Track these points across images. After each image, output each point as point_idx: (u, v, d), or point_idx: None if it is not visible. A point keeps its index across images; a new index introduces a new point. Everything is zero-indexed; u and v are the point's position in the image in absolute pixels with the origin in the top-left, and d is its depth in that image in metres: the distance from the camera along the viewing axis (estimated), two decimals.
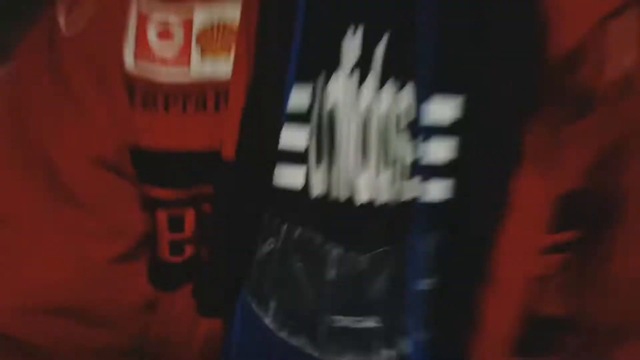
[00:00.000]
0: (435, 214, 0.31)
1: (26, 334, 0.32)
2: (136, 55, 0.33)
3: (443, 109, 0.30)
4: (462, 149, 0.30)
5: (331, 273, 0.33)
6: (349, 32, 0.31)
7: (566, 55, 0.29)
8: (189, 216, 0.35)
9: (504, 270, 0.31)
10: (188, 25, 0.32)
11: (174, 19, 0.32)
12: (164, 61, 0.32)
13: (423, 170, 0.31)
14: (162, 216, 0.35)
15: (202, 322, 0.36)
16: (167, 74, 0.32)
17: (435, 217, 0.31)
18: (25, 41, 0.37)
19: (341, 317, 0.33)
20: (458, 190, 0.31)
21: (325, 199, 0.32)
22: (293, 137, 0.32)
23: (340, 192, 0.32)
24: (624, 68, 0.30)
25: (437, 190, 0.31)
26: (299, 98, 0.32)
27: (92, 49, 0.33)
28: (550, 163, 0.31)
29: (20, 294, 0.32)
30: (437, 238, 0.32)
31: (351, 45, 0.31)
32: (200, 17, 0.32)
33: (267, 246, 0.34)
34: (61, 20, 0.33)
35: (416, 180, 0.31)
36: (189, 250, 0.35)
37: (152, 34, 0.33)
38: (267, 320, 0.35)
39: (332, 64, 0.31)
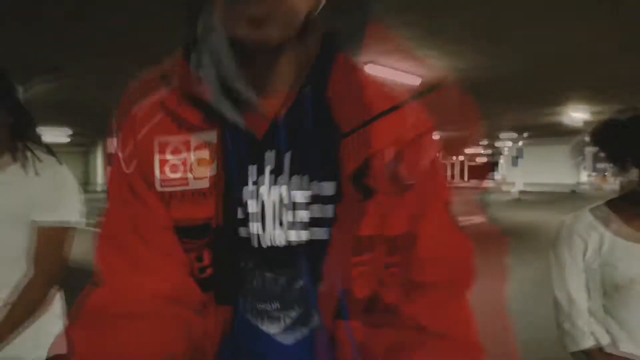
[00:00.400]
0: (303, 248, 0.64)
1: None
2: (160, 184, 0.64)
3: (299, 195, 0.62)
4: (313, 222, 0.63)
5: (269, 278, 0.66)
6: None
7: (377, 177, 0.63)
8: (206, 253, 0.64)
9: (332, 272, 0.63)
10: (186, 161, 0.63)
11: (179, 147, 0.63)
12: (175, 183, 0.63)
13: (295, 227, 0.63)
14: (191, 255, 0.64)
15: (218, 309, 0.65)
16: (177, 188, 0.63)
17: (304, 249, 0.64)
18: (110, 172, 0.68)
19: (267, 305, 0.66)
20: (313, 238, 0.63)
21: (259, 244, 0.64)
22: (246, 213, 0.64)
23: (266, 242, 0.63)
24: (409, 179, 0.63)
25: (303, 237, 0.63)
26: (248, 194, 0.63)
27: (141, 178, 0.63)
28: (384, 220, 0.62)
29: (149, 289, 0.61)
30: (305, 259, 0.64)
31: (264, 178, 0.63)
32: (192, 157, 0.62)
33: (243, 264, 0.65)
34: (122, 164, 0.65)
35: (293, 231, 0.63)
36: (208, 272, 0.64)
37: (166, 170, 0.63)
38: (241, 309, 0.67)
39: (258, 179, 0.63)
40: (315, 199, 0.61)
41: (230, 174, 0.62)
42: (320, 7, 0.61)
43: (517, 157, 22.91)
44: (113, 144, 0.69)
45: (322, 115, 0.62)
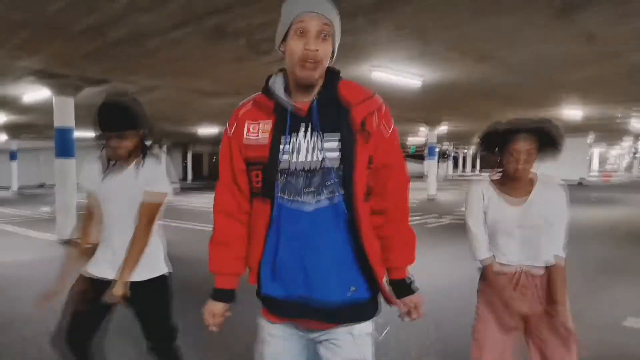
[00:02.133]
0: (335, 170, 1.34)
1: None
2: (245, 142, 1.39)
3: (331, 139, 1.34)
4: (341, 148, 1.32)
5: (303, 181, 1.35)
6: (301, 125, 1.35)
7: (359, 126, 1.34)
8: (260, 174, 1.36)
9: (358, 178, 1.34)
10: (265, 127, 1.38)
11: (256, 125, 1.39)
12: (251, 138, 1.39)
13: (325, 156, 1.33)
14: (252, 173, 1.39)
15: (265, 200, 1.37)
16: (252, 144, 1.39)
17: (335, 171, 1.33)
18: (223, 139, 1.46)
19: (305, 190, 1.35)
20: (342, 158, 1.33)
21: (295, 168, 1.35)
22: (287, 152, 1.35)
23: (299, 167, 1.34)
24: (378, 130, 1.38)
25: (333, 161, 1.33)
26: (286, 143, 1.35)
27: (236, 139, 1.41)
28: (367, 147, 1.34)
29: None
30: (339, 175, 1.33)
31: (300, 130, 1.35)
32: (261, 126, 1.37)
33: (282, 175, 1.34)
34: (229, 130, 1.43)
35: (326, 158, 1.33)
36: (259, 184, 1.38)
37: (246, 132, 1.39)
38: (282, 197, 1.36)
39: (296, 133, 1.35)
40: (335, 141, 1.32)
41: (277, 137, 1.33)
42: (334, 59, 1.36)
43: None
44: (229, 121, 1.43)
45: (335, 103, 1.33)
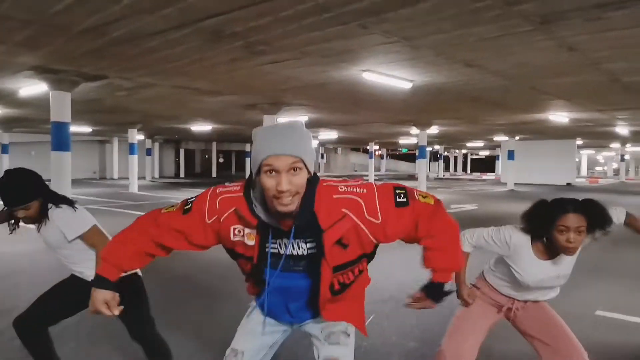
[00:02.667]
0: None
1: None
2: (232, 240, 1.51)
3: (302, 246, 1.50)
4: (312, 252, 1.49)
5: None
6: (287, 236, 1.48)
7: (332, 244, 1.44)
8: (248, 264, 1.55)
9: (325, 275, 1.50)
10: (252, 236, 1.49)
11: (243, 232, 1.49)
12: (237, 244, 1.52)
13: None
14: (242, 262, 1.58)
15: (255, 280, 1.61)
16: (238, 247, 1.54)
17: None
18: (190, 214, 1.53)
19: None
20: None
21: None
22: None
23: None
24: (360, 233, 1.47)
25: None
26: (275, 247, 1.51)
27: (211, 226, 1.51)
28: (344, 252, 1.50)
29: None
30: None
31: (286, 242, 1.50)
32: (247, 231, 1.48)
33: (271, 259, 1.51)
34: (206, 216, 1.50)
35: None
36: (248, 269, 1.57)
37: (232, 234, 1.50)
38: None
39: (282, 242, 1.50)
40: (304, 251, 1.48)
41: (262, 245, 1.47)
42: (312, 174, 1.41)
43: (512, 151, 23.85)
44: (200, 201, 1.50)
45: (311, 226, 1.41)
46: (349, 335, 1.70)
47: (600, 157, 56.89)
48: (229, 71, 8.03)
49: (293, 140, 1.35)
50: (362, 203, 1.44)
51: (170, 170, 36.42)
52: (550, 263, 2.09)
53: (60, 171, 8.74)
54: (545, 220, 2.00)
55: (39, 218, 2.36)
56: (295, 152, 1.33)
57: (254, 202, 1.45)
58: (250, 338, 1.76)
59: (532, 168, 27.40)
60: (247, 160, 31.65)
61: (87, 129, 20.91)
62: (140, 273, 2.51)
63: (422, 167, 19.26)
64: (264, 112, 12.74)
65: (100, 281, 1.59)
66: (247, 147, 33.63)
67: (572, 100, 11.39)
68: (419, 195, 1.53)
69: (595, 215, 1.97)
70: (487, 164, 50.55)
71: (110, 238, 2.31)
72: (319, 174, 1.51)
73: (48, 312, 2.51)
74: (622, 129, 19.31)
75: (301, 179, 1.36)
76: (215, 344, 3.15)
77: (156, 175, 32.66)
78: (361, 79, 8.41)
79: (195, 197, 1.56)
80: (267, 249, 1.48)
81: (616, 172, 41.46)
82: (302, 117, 15.63)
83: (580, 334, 3.52)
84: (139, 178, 20.68)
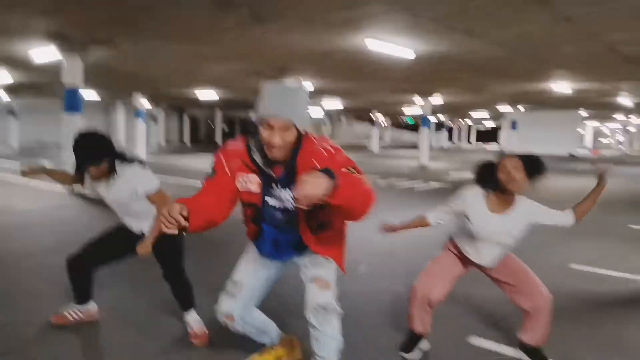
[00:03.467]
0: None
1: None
2: (240, 189, 1.90)
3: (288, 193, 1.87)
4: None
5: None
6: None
7: None
8: (251, 210, 1.95)
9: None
10: (251, 180, 1.88)
11: (246, 178, 1.88)
12: (243, 194, 1.91)
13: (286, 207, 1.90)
14: (247, 210, 1.98)
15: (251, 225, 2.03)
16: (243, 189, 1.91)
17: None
18: (217, 160, 1.91)
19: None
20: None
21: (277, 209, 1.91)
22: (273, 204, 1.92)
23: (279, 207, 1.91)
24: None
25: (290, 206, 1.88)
26: (271, 193, 1.90)
27: (229, 179, 1.88)
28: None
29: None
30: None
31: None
32: (251, 178, 1.87)
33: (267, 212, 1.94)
34: (225, 165, 1.88)
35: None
36: (250, 215, 1.98)
37: (238, 182, 1.89)
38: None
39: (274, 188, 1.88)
40: (290, 203, 1.83)
41: (265, 188, 1.83)
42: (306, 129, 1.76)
43: (515, 122, 23.96)
44: (216, 161, 1.85)
45: (292, 173, 1.75)
46: (331, 262, 2.03)
47: (605, 129, 56.60)
48: (235, 38, 8.24)
49: (289, 105, 1.68)
50: (327, 157, 1.77)
51: (175, 138, 36.69)
52: (499, 217, 2.39)
53: (72, 133, 9.08)
54: (490, 168, 2.40)
55: (108, 175, 2.61)
56: (289, 115, 1.68)
57: (253, 149, 1.81)
58: (249, 271, 2.10)
59: (535, 139, 27.44)
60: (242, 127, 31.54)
61: (93, 94, 21.11)
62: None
63: (424, 136, 19.44)
64: (270, 80, 12.95)
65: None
66: (252, 116, 33.73)
67: (573, 70, 11.52)
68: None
69: (528, 159, 2.34)
70: (491, 136, 50.43)
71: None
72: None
73: (98, 255, 2.84)
74: (625, 100, 19.35)
75: (290, 136, 1.72)
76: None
77: (161, 141, 32.97)
78: (364, 48, 8.60)
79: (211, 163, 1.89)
80: (266, 196, 1.85)
81: (620, 144, 41.39)
82: (307, 86, 15.81)
83: (555, 284, 3.94)
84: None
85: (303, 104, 1.75)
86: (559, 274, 4.29)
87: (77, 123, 9.09)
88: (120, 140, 31.43)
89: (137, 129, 20.14)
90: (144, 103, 20.85)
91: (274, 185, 1.84)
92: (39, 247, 4.90)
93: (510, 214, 2.40)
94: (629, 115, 31.38)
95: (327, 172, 1.52)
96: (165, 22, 7.20)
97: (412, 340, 2.63)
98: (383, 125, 48.19)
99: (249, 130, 1.84)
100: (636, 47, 8.34)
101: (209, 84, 16.78)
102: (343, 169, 1.68)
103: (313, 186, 1.46)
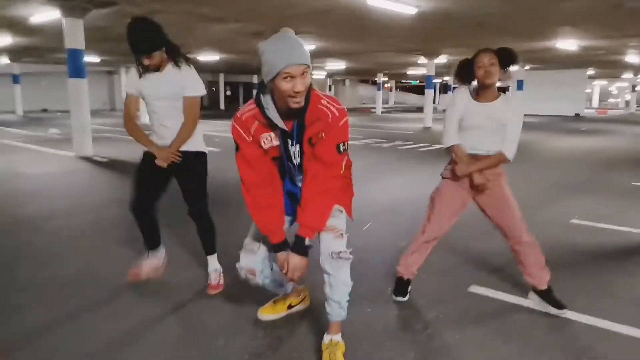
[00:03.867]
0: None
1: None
2: (265, 148, 1.98)
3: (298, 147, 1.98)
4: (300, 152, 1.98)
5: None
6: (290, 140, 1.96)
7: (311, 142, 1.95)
8: (278, 163, 2.05)
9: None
10: (273, 136, 1.96)
11: (268, 136, 1.95)
12: (267, 143, 1.97)
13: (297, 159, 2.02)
14: (272, 164, 2.05)
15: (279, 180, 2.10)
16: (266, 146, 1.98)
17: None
18: (235, 132, 1.98)
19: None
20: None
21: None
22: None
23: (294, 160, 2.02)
24: (319, 138, 1.93)
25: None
26: (289, 148, 1.98)
27: (254, 142, 1.97)
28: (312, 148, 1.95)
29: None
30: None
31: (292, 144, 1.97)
32: (273, 136, 1.95)
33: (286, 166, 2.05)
34: (247, 138, 1.95)
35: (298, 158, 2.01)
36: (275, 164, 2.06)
37: (262, 143, 1.95)
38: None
39: (290, 143, 1.97)
40: (298, 149, 1.94)
41: (282, 142, 1.92)
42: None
43: (521, 81, 23.68)
44: (235, 133, 1.93)
45: (302, 126, 1.86)
46: (341, 211, 2.15)
47: (613, 89, 55.73)
48: None
49: (302, 50, 1.71)
50: (331, 117, 1.87)
51: None
52: (486, 105, 2.57)
53: (78, 99, 9.12)
54: (468, 65, 2.58)
55: (162, 67, 2.66)
56: (306, 60, 1.72)
57: (266, 107, 1.85)
58: None
59: (541, 98, 27.15)
60: (255, 92, 31.02)
61: (95, 58, 20.92)
62: (206, 150, 2.90)
63: (429, 97, 19.28)
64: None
65: (281, 247, 2.02)
66: (255, 79, 33.37)
67: (578, 27, 11.30)
68: (346, 164, 2.07)
69: (502, 51, 2.50)
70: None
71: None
72: None
73: (149, 193, 2.87)
74: (633, 57, 19.01)
75: (307, 80, 1.76)
76: (235, 244, 3.70)
77: None
78: (366, 4, 8.47)
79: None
80: (288, 149, 1.97)
81: (628, 104, 40.89)
82: (310, 46, 15.59)
83: (553, 237, 4.07)
84: None
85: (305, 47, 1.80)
86: (560, 229, 4.40)
87: (82, 89, 9.10)
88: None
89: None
90: None
91: (288, 140, 1.93)
92: (54, 210, 5.03)
93: (496, 104, 2.57)
94: (639, 75, 30.86)
95: (304, 244, 1.95)
96: None
97: (401, 285, 2.86)
98: (387, 87, 47.71)
99: (261, 91, 1.87)
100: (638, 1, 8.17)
101: (210, 46, 16.59)
102: (338, 147, 1.91)
103: (299, 270, 1.97)
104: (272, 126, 1.89)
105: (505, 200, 2.65)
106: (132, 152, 10.74)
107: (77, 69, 8.96)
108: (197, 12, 9.56)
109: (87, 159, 8.87)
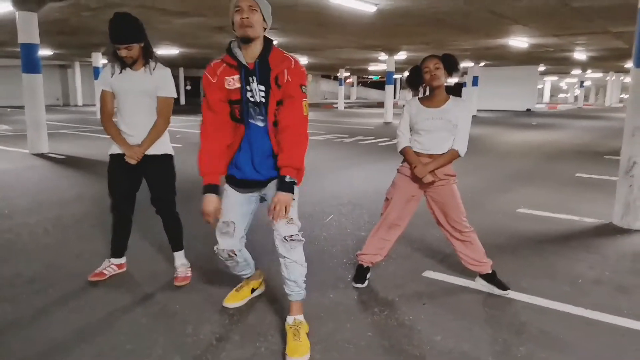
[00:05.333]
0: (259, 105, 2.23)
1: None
2: (227, 88, 2.22)
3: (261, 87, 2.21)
4: (264, 94, 2.20)
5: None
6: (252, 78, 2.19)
7: (274, 80, 2.19)
8: (238, 108, 2.23)
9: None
10: (236, 79, 2.21)
11: (231, 78, 2.21)
12: (231, 85, 2.22)
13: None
14: (234, 108, 2.24)
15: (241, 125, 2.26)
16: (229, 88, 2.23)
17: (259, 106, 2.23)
18: (204, 80, 2.27)
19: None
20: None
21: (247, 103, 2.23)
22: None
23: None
24: (285, 81, 2.19)
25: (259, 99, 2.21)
26: (249, 87, 2.21)
27: (217, 84, 2.22)
28: (278, 92, 2.20)
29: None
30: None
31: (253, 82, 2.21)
32: (235, 77, 2.20)
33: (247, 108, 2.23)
34: (211, 78, 2.23)
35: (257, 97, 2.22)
36: (237, 114, 2.24)
37: (226, 84, 2.21)
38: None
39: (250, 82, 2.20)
40: (263, 88, 2.17)
41: (243, 82, 2.17)
42: (268, 28, 2.19)
43: (476, 77, 24.45)
44: (204, 78, 2.24)
45: (265, 65, 2.15)
46: (295, 200, 2.29)
47: (563, 84, 58.26)
48: None
49: None
50: (293, 64, 2.20)
51: None
52: (432, 109, 2.81)
53: (33, 94, 8.85)
54: (416, 72, 2.85)
55: (137, 62, 2.78)
56: None
57: (233, 49, 2.19)
58: (235, 210, 2.35)
59: (494, 94, 28.14)
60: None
61: (48, 52, 20.18)
62: (173, 153, 3.01)
63: (389, 93, 19.69)
64: (232, 36, 12.74)
65: (209, 189, 2.22)
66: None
67: (529, 25, 11.85)
68: (306, 101, 2.23)
69: (445, 57, 2.76)
70: (455, 91, 51.08)
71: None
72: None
73: (126, 193, 2.97)
74: (580, 55, 20.02)
75: (256, 17, 2.10)
76: (200, 239, 3.80)
77: None
78: (326, 1, 8.62)
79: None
80: (245, 89, 2.19)
81: (576, 99, 42.93)
82: (273, 42, 15.59)
83: (499, 225, 4.39)
84: None
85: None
86: (505, 218, 4.72)
87: (37, 84, 8.85)
88: (78, 101, 30.47)
89: (97, 89, 19.49)
90: (102, 62, 20.11)
91: (249, 79, 2.18)
92: (13, 209, 4.95)
93: (445, 107, 2.80)
94: (587, 70, 32.46)
95: (286, 180, 2.14)
96: None
97: (361, 272, 3.06)
98: (350, 83, 48.10)
99: (231, 43, 2.22)
100: (585, 2, 8.68)
101: (170, 40, 16.33)
102: (301, 87, 2.19)
103: (284, 206, 2.14)
104: (237, 68, 2.18)
105: (452, 195, 2.89)
106: (88, 149, 10.77)
107: (31, 64, 8.69)
108: (159, 6, 9.45)
109: (43, 156, 8.66)
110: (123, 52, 2.70)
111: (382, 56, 19.73)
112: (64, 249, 3.69)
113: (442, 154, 2.81)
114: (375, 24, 11.45)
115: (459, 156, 2.81)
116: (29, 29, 8.48)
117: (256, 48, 2.17)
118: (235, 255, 2.41)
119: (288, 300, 2.37)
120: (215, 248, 2.40)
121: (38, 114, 8.97)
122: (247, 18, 2.07)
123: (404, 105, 2.98)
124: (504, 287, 2.92)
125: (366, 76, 49.38)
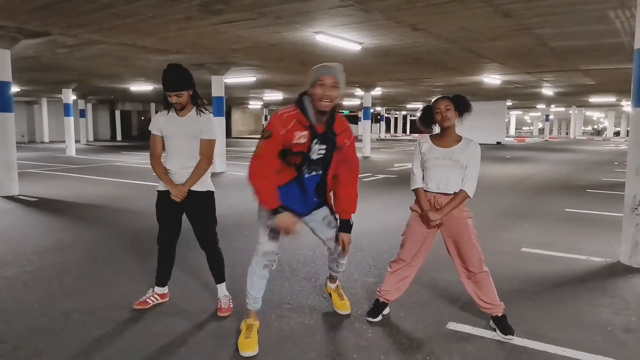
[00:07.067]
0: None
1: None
2: (294, 142, 2.50)
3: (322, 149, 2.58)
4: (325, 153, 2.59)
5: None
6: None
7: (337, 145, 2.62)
8: (300, 158, 2.54)
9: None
10: (306, 135, 2.52)
11: (301, 134, 2.50)
12: (296, 146, 2.51)
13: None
14: (295, 159, 2.54)
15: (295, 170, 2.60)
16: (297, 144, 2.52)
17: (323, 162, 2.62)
18: (274, 129, 2.49)
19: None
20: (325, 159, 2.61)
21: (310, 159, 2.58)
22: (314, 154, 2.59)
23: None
24: (345, 145, 2.69)
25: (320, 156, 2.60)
26: (314, 147, 2.56)
27: (285, 135, 2.47)
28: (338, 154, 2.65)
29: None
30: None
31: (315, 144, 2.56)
32: (303, 133, 2.50)
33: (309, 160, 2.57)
34: (280, 130, 2.47)
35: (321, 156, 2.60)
36: (297, 162, 2.56)
37: (295, 139, 2.49)
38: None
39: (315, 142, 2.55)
40: (324, 147, 2.54)
41: (311, 142, 2.49)
42: (340, 98, 2.51)
43: None
44: (272, 124, 2.46)
45: (331, 131, 2.55)
46: (337, 220, 2.80)
47: (527, 118, 60.52)
48: (180, 29, 7.97)
49: (335, 69, 2.44)
50: (349, 131, 2.67)
51: (106, 133, 34.87)
52: (443, 149, 2.87)
53: (4, 134, 8.41)
54: (429, 112, 2.91)
55: (185, 108, 3.04)
56: (336, 74, 2.43)
57: (307, 110, 2.46)
58: (275, 240, 2.69)
59: (466, 127, 28.63)
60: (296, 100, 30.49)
61: (15, 88, 19.58)
62: (214, 189, 3.22)
63: (366, 128, 19.81)
64: (212, 73, 12.63)
65: (278, 209, 2.46)
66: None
67: (505, 63, 12.21)
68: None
69: (457, 99, 2.86)
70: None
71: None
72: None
73: (172, 227, 3.21)
74: (548, 90, 20.82)
75: (335, 93, 2.42)
76: (240, 272, 3.50)
77: (90, 138, 31.25)
78: (313, 41, 8.63)
79: (267, 124, 2.50)
80: (311, 148, 2.49)
81: (541, 131, 44.47)
82: (250, 78, 15.57)
83: (509, 267, 4.25)
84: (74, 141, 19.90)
85: (343, 72, 2.48)
86: (513, 258, 4.60)
87: (9, 123, 8.45)
88: (44, 138, 29.55)
89: (66, 126, 18.94)
90: (72, 98, 19.65)
91: (315, 140, 2.48)
92: None
93: (455, 149, 2.87)
94: (551, 105, 33.77)
95: (350, 224, 2.73)
96: (107, 11, 6.79)
97: (377, 307, 3.13)
98: None
99: (302, 100, 2.49)
100: (561, 41, 9.00)
101: (146, 77, 16.11)
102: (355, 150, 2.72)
103: (349, 242, 2.74)
104: (306, 127, 2.45)
105: (467, 232, 2.87)
106: (61, 189, 10.24)
107: (3, 103, 8.29)
108: (138, 43, 9.26)
109: (14, 199, 8.15)
110: (173, 99, 2.96)
111: (358, 92, 19.98)
112: (49, 308, 3.31)
113: (451, 196, 2.83)
114: (356, 62, 11.56)
115: (469, 197, 2.83)
116: (1, 66, 8.13)
117: (326, 114, 2.49)
118: (275, 261, 2.78)
119: (331, 274, 3.23)
120: (261, 251, 2.70)
121: (9, 155, 8.50)
122: (329, 95, 2.38)
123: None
124: (508, 331, 2.85)
125: (340, 110, 49.99)
